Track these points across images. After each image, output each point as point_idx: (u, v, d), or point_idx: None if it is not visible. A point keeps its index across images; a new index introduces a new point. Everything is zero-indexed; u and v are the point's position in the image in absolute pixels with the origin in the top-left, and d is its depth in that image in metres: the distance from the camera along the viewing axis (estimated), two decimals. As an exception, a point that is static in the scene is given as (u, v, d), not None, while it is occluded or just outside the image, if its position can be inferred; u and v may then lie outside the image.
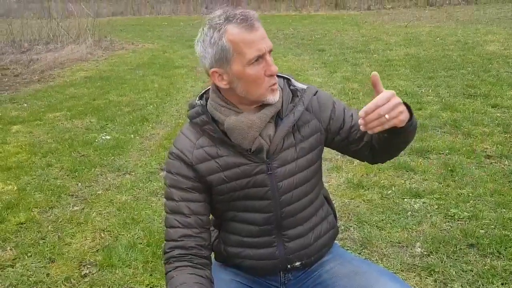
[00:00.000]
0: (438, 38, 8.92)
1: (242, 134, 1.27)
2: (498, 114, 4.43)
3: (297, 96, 1.35)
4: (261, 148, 1.30)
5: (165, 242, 1.35)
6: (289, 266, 1.43)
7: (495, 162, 3.42)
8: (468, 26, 10.26)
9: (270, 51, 1.25)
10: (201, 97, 1.37)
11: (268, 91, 1.25)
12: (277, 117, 1.32)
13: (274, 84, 1.26)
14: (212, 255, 1.43)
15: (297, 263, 1.43)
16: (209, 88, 1.36)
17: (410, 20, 11.75)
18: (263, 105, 1.29)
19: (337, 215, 1.60)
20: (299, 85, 1.37)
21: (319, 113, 1.38)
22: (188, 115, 1.35)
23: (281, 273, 1.46)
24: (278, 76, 1.38)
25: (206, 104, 1.33)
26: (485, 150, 3.63)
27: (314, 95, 1.38)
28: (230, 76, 1.24)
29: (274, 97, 1.27)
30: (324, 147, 1.45)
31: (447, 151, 3.63)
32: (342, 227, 2.69)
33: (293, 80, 1.38)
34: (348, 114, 1.41)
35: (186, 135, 1.35)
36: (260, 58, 1.22)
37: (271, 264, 1.42)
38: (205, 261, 1.33)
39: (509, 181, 3.11)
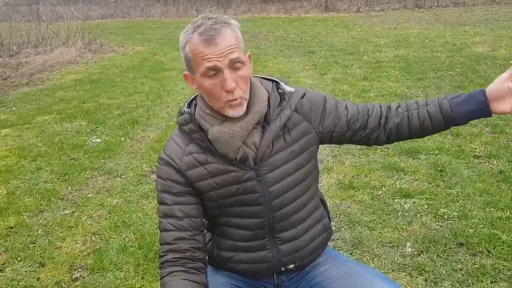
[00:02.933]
0: (427, 40, 9.00)
1: (225, 145, 1.27)
2: (486, 115, 4.47)
3: (285, 99, 1.33)
4: (246, 157, 1.29)
5: (160, 246, 1.34)
6: (282, 268, 1.43)
7: (484, 162, 3.46)
8: (456, 28, 10.36)
9: (232, 64, 1.20)
10: (189, 104, 1.36)
11: (226, 105, 1.23)
12: (265, 122, 1.31)
13: (232, 100, 1.22)
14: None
15: (291, 266, 1.43)
16: (197, 94, 1.35)
17: (399, 22, 11.84)
18: (246, 113, 1.27)
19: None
20: (287, 88, 1.36)
21: (309, 114, 1.37)
22: (177, 121, 1.35)
23: (275, 275, 1.46)
24: (267, 79, 1.38)
25: (195, 112, 1.33)
26: (474, 150, 3.67)
27: (302, 97, 1.36)
28: (196, 83, 1.26)
29: (234, 112, 1.24)
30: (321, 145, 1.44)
31: (436, 152, 3.67)
32: (334, 228, 2.70)
33: (282, 84, 1.37)
34: (341, 109, 1.40)
35: (176, 141, 1.35)
36: (216, 71, 1.20)
37: (265, 267, 1.42)
38: (200, 264, 1.33)
39: (497, 181, 3.14)
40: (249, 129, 1.27)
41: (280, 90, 1.36)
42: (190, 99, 1.38)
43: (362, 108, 1.42)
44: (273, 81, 1.38)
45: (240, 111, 1.24)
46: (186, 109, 1.34)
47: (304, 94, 1.38)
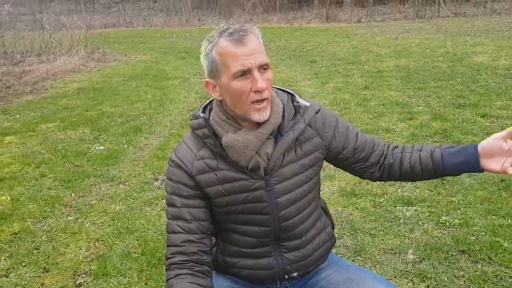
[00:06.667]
0: (428, 50, 9.05)
1: (238, 153, 1.28)
2: (487, 124, 4.51)
3: (299, 113, 1.35)
4: (257, 166, 1.31)
5: (167, 247, 1.35)
6: (286, 276, 1.44)
7: (485, 171, 3.47)
8: (456, 38, 10.43)
9: (261, 67, 1.23)
10: (204, 109, 1.37)
11: (252, 108, 1.24)
12: (278, 133, 1.33)
13: (259, 102, 1.24)
14: None
15: (295, 274, 1.44)
16: (213, 99, 1.37)
17: (400, 32, 11.91)
18: (261, 122, 1.28)
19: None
20: (302, 101, 1.37)
21: (322, 131, 1.39)
22: (191, 125, 1.36)
23: (278, 282, 1.47)
24: (282, 90, 1.39)
25: (209, 117, 1.34)
26: (475, 158, 3.68)
27: (317, 112, 1.38)
28: (220, 88, 1.27)
29: (260, 116, 1.25)
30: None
31: (437, 160, 3.68)
32: (336, 235, 2.70)
33: (297, 96, 1.38)
34: (352, 135, 1.42)
35: (188, 144, 1.36)
36: (245, 73, 1.22)
37: (269, 273, 1.43)
38: (207, 268, 1.34)
39: (499, 189, 3.16)
40: (263, 139, 1.29)
41: (295, 103, 1.37)
42: (205, 104, 1.39)
43: (369, 141, 1.45)
44: (288, 93, 1.39)
45: (266, 115, 1.26)
46: (201, 114, 1.35)
47: (319, 110, 1.40)
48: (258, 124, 1.29)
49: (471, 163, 1.33)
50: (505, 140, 1.29)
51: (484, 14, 14.83)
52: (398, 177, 1.46)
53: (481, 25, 12.47)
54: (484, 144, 1.32)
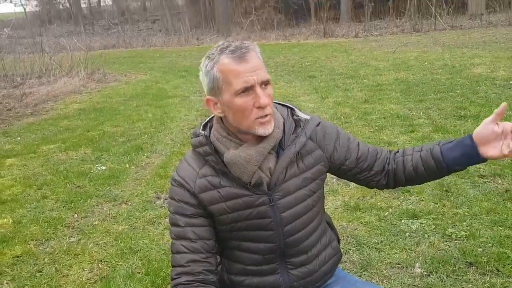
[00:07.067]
0: (426, 63, 9.09)
1: (241, 168, 1.28)
2: (489, 134, 4.49)
3: (300, 126, 1.35)
4: (260, 182, 1.31)
5: (172, 268, 1.34)
6: None
7: (489, 181, 3.46)
8: (454, 50, 10.48)
9: (263, 83, 1.24)
10: (204, 126, 1.37)
11: (256, 123, 1.24)
12: (279, 148, 1.33)
13: (263, 117, 1.24)
14: None
15: None
16: (213, 117, 1.37)
17: (397, 46, 11.99)
18: (262, 137, 1.28)
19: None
20: (302, 115, 1.37)
21: (323, 143, 1.38)
22: (192, 143, 1.36)
23: None
24: (282, 105, 1.40)
25: (210, 134, 1.34)
26: (479, 169, 3.67)
27: (317, 125, 1.38)
28: (222, 105, 1.27)
29: (264, 130, 1.25)
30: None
31: (441, 172, 3.66)
32: (341, 250, 2.68)
33: (297, 110, 1.39)
34: (354, 145, 1.42)
35: (189, 163, 1.36)
36: (248, 89, 1.22)
37: None
38: (212, 287, 1.33)
39: (504, 200, 3.14)
40: (265, 154, 1.28)
41: (295, 117, 1.37)
42: (205, 121, 1.39)
43: (372, 149, 1.44)
44: (288, 107, 1.40)
45: (270, 128, 1.26)
46: (202, 132, 1.34)
47: (320, 122, 1.40)
48: (260, 140, 1.28)
49: (470, 154, 1.30)
50: (497, 123, 1.26)
51: (480, 27, 14.93)
52: (404, 181, 1.44)
53: (478, 37, 12.56)
54: (477, 132, 1.29)
